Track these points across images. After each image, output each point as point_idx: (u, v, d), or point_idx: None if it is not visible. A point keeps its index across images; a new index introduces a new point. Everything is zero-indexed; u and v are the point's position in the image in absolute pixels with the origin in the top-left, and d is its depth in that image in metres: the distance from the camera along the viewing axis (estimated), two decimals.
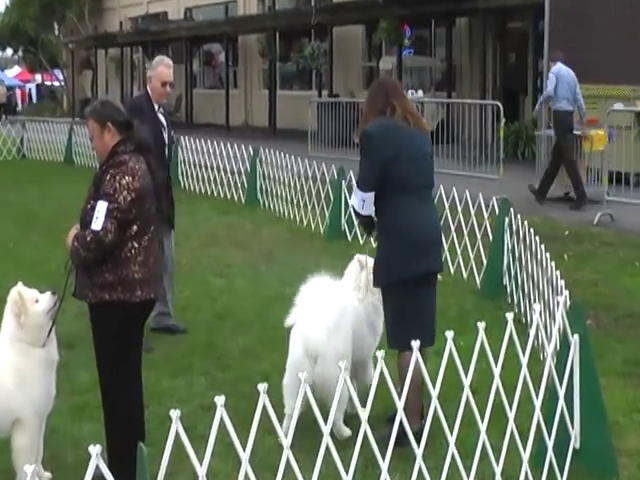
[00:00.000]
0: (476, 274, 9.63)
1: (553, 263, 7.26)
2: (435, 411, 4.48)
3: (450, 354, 4.53)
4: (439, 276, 6.07)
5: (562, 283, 6.60)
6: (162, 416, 5.94)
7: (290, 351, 5.98)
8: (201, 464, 3.66)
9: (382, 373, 4.27)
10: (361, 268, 6.30)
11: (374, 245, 10.71)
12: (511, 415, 4.75)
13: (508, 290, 9.00)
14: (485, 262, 9.50)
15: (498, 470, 4.70)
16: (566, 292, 6.14)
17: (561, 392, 4.98)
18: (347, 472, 4.15)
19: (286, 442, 3.93)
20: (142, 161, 5.20)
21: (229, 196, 16.25)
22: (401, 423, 4.35)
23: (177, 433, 3.61)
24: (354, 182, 5.91)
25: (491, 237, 9.60)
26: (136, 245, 5.12)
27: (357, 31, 30.59)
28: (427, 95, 24.40)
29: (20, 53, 55.22)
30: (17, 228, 13.86)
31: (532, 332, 5.15)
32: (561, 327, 5.18)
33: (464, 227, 10.12)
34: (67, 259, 5.19)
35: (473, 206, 10.37)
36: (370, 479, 4.92)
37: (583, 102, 15.47)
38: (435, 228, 5.93)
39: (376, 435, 4.29)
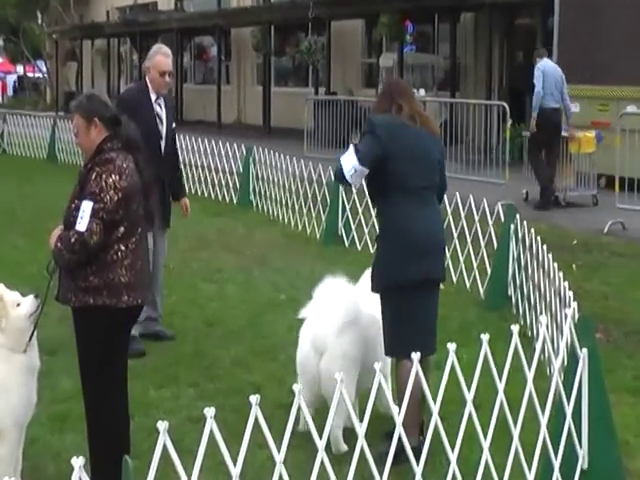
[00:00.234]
0: (479, 283, 9.64)
1: (561, 273, 7.28)
2: (436, 427, 4.49)
3: (452, 367, 4.54)
4: (441, 285, 6.09)
5: (570, 294, 6.61)
6: (148, 428, 5.93)
7: (299, 346, 6.11)
8: (189, 479, 3.66)
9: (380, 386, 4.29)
10: None
11: (372, 251, 10.80)
12: (516, 432, 4.75)
13: (513, 301, 9.01)
14: (489, 271, 9.52)
15: None
16: (574, 304, 6.17)
17: (568, 409, 4.98)
18: None
19: (279, 457, 3.93)
20: (130, 159, 5.21)
21: (220, 197, 16.25)
22: (400, 439, 4.35)
23: (165, 446, 3.61)
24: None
25: (496, 245, 9.62)
26: (123, 248, 5.13)
27: (356, 26, 30.60)
28: (429, 94, 24.41)
29: (0, 42, 55.18)
30: None
31: (539, 345, 5.16)
32: (569, 341, 5.19)
33: (467, 234, 10.13)
34: (49, 261, 5.19)
35: (477, 212, 10.39)
36: None
37: (570, 101, 15.76)
38: (436, 232, 5.94)
39: (373, 452, 4.30)
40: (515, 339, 4.78)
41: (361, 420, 4.27)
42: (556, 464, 4.94)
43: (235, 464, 3.79)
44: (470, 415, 4.58)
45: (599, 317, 8.27)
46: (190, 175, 17.14)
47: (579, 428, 5.05)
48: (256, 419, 3.85)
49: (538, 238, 8.38)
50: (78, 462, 3.38)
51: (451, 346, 4.54)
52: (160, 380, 7.18)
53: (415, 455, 4.42)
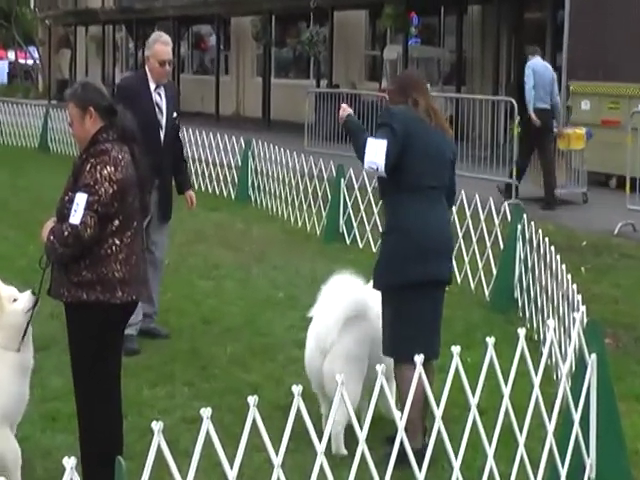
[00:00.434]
0: (485, 285, 9.64)
1: (569, 276, 7.28)
2: (439, 432, 4.49)
3: (456, 371, 4.54)
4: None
5: (579, 298, 6.61)
6: (142, 428, 5.94)
7: (306, 347, 6.21)
8: None
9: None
10: None
11: (374, 250, 10.81)
12: (521, 439, 4.75)
13: (519, 304, 9.01)
14: (495, 272, 9.52)
15: None
16: (583, 308, 6.17)
17: (576, 416, 4.99)
18: None
19: (277, 460, 3.93)
20: (126, 150, 5.19)
21: (218, 192, 16.25)
22: (402, 443, 4.35)
23: (159, 447, 3.60)
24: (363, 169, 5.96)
25: (502, 245, 9.61)
26: (117, 242, 5.12)
27: (360, 17, 30.60)
28: (434, 89, 24.37)
29: None
30: None
31: (546, 350, 5.16)
32: (577, 346, 5.19)
33: (473, 234, 10.13)
34: (42, 255, 5.18)
35: (483, 211, 10.39)
36: None
37: (559, 100, 16.05)
38: (444, 233, 5.94)
39: (374, 455, 4.30)
40: (522, 343, 4.77)
41: (361, 423, 4.27)
42: (563, 473, 4.94)
43: (232, 466, 3.79)
44: (474, 420, 4.58)
45: (608, 322, 8.27)
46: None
47: (587, 436, 5.05)
48: (254, 421, 3.85)
49: (546, 239, 8.37)
50: (70, 462, 3.38)
51: (455, 349, 4.54)
52: (154, 379, 7.18)
53: (417, 459, 4.42)
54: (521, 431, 4.75)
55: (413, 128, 5.78)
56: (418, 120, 5.82)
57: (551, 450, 4.90)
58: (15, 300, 5.20)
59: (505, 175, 16.39)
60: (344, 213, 12.44)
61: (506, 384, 4.71)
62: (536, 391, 4.83)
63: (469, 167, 16.99)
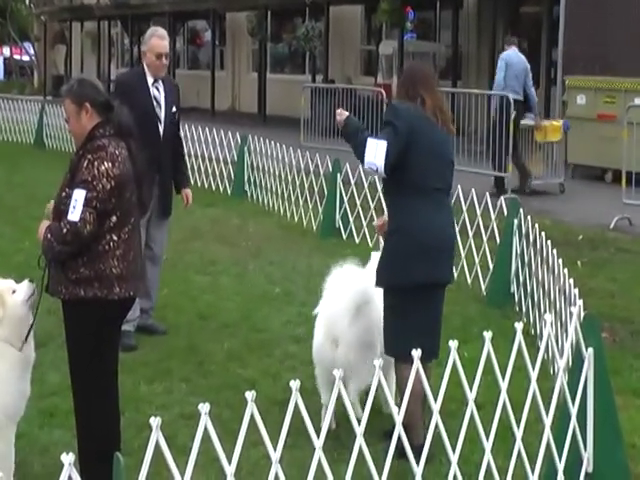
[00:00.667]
0: (481, 280, 9.65)
1: (566, 270, 7.28)
2: (436, 427, 4.50)
3: (453, 365, 4.54)
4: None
5: (576, 292, 6.62)
6: (139, 424, 5.96)
7: (314, 338, 6.21)
8: (182, 477, 3.66)
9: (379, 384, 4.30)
10: None
11: (370, 245, 10.82)
12: (519, 434, 4.76)
13: (516, 298, 9.02)
14: (491, 267, 9.52)
15: None
16: (580, 302, 6.18)
17: (573, 410, 4.99)
18: None
19: (275, 456, 3.94)
20: (123, 146, 5.19)
21: (214, 187, 16.24)
22: (400, 438, 4.36)
23: (157, 443, 3.61)
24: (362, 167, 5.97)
25: (498, 240, 9.62)
26: (115, 238, 5.12)
27: (355, 11, 30.58)
28: None
29: None
30: None
31: (543, 344, 5.16)
32: (574, 340, 5.20)
33: (469, 228, 10.13)
34: (40, 254, 5.17)
35: (479, 205, 10.39)
36: None
37: (534, 92, 16.22)
38: (448, 235, 5.94)
39: (372, 450, 4.31)
40: (519, 337, 4.78)
41: (359, 418, 4.28)
42: (560, 467, 4.95)
43: (230, 462, 3.79)
44: (472, 415, 4.59)
45: (605, 316, 8.27)
46: None
47: (584, 430, 5.06)
48: (252, 416, 3.85)
49: (542, 234, 8.37)
50: (68, 459, 3.37)
51: (452, 344, 4.54)
52: (152, 375, 7.18)
53: (417, 455, 4.42)
54: (518, 425, 4.76)
55: (418, 126, 5.74)
56: (424, 118, 5.78)
57: (548, 444, 4.91)
58: (14, 292, 5.20)
59: (501, 169, 16.40)
60: (340, 208, 12.44)
61: (503, 378, 4.72)
62: (533, 385, 4.84)
63: (465, 161, 16.95)
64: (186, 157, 8.91)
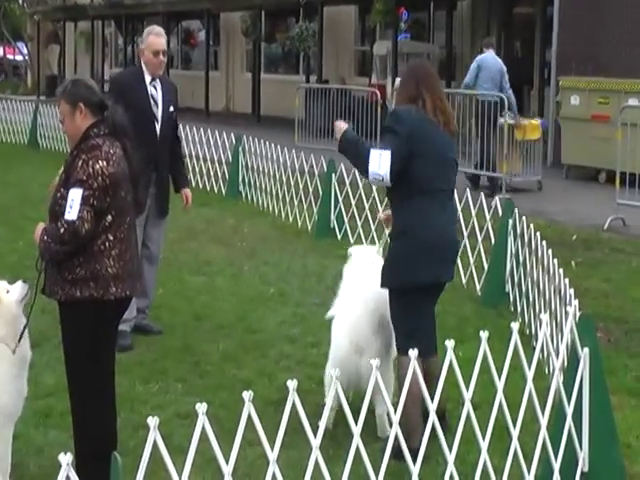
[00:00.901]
0: (476, 280, 9.65)
1: (561, 270, 7.30)
2: (433, 426, 4.50)
3: (450, 365, 4.55)
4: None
5: (571, 292, 6.63)
6: (135, 424, 5.96)
7: (336, 344, 6.12)
8: (180, 477, 3.66)
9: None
10: None
11: (365, 245, 10.81)
12: (515, 433, 4.77)
13: (511, 298, 9.03)
14: (486, 267, 9.53)
15: None
16: (576, 302, 6.19)
17: (569, 410, 5.00)
18: None
19: (272, 455, 3.94)
20: (117, 145, 5.19)
21: (208, 187, 16.23)
22: (401, 438, 4.37)
23: (154, 443, 3.61)
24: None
25: (493, 240, 9.63)
26: (111, 237, 5.11)
27: (349, 12, 30.58)
28: None
29: None
30: None
31: (539, 344, 5.17)
32: (569, 339, 5.21)
33: (464, 229, 10.11)
34: (37, 257, 5.17)
35: (474, 206, 10.40)
36: None
37: (512, 92, 16.63)
38: (452, 236, 5.99)
39: (369, 450, 4.32)
40: (515, 337, 4.79)
41: (356, 419, 4.28)
42: (556, 467, 4.96)
43: (227, 462, 3.79)
44: (468, 415, 4.59)
45: (599, 316, 8.29)
46: None
47: (579, 430, 5.07)
48: (249, 416, 3.85)
49: (537, 234, 8.39)
50: (66, 459, 3.37)
51: (449, 343, 4.55)
52: (147, 375, 7.18)
53: (415, 457, 4.43)
54: (514, 425, 4.77)
55: (420, 129, 5.74)
56: (426, 120, 5.79)
57: (544, 444, 4.92)
58: (8, 292, 5.20)
59: (496, 170, 16.44)
60: (335, 208, 12.44)
61: (500, 378, 4.72)
62: (529, 385, 4.84)
63: (459, 162, 17.01)
64: (183, 157, 8.88)
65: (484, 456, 4.66)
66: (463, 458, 5.09)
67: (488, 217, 10.11)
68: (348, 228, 12.15)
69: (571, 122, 17.85)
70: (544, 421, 4.91)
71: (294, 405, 4.00)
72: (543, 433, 4.90)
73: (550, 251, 7.83)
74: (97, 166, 5.01)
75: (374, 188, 12.11)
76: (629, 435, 5.99)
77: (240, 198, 15.37)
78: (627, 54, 17.97)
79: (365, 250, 6.75)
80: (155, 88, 8.08)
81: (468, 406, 4.60)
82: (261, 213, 14.35)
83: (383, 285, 5.89)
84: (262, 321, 8.68)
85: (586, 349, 5.07)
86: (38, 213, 11.33)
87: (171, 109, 8.15)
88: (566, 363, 5.39)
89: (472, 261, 9.86)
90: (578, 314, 5.54)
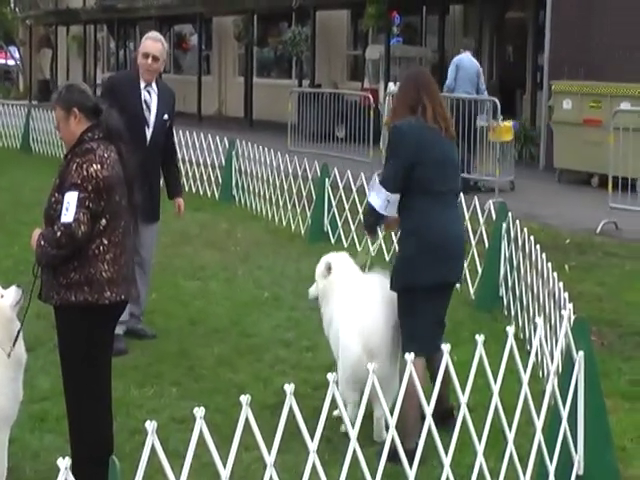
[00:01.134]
0: (470, 283, 9.67)
1: (555, 274, 7.32)
2: (429, 430, 4.52)
3: (446, 369, 4.57)
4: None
5: (565, 296, 6.65)
6: (130, 428, 5.96)
7: (347, 348, 6.06)
8: None
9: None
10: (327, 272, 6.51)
11: (359, 249, 10.83)
12: (510, 436, 4.78)
13: (505, 302, 9.05)
14: (480, 271, 9.55)
15: None
16: (570, 305, 6.21)
17: (564, 413, 5.02)
18: None
19: (270, 459, 3.95)
20: (112, 149, 5.20)
21: (202, 192, 16.23)
22: (397, 441, 4.38)
23: (148, 447, 3.61)
24: (375, 181, 6.13)
25: (487, 244, 9.65)
26: (105, 241, 5.11)
27: (342, 16, 30.63)
28: None
29: None
30: None
31: (534, 348, 5.19)
32: (564, 343, 5.22)
33: None
34: (34, 263, 5.17)
35: (467, 210, 10.41)
36: None
37: (487, 94, 17.09)
38: (458, 235, 6.09)
39: (364, 453, 4.33)
40: (511, 341, 4.80)
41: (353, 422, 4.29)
42: (551, 469, 4.97)
43: (224, 466, 3.80)
44: (464, 418, 4.61)
45: (593, 319, 8.28)
46: None
47: (575, 433, 5.09)
48: (246, 420, 3.86)
49: (531, 238, 8.41)
50: (64, 463, 3.37)
51: (445, 347, 4.57)
52: (142, 379, 7.17)
53: (409, 457, 4.45)
54: (510, 428, 4.78)
55: (423, 141, 5.86)
56: (426, 129, 5.89)
57: (540, 447, 4.93)
58: (2, 296, 5.20)
59: (489, 174, 16.48)
60: (329, 212, 12.46)
61: (495, 381, 4.74)
62: (525, 388, 4.86)
63: None
64: (178, 165, 8.85)
65: (480, 459, 4.67)
66: (459, 461, 5.10)
67: (482, 221, 10.12)
68: (342, 232, 12.17)
69: (563, 126, 17.90)
70: (539, 424, 4.93)
71: (291, 409, 4.00)
72: (538, 436, 4.91)
73: (544, 255, 7.86)
74: (91, 169, 5.02)
75: (367, 192, 12.12)
76: (623, 438, 6.01)
77: (233, 202, 15.37)
78: (619, 58, 18.03)
79: (342, 256, 6.74)
80: (149, 93, 8.06)
81: (464, 409, 4.61)
82: (254, 217, 14.36)
83: (393, 287, 5.96)
84: (256, 325, 8.69)
85: (581, 352, 5.09)
86: (31, 217, 11.37)
87: (165, 116, 8.12)
88: (561, 366, 5.40)
89: (466, 265, 9.84)
90: (573, 318, 5.55)
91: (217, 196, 15.83)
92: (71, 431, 5.22)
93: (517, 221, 9.13)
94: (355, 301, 6.13)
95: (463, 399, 4.62)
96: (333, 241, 12.19)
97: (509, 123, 17.10)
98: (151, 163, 7.94)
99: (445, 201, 5.94)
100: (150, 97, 8.05)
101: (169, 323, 8.73)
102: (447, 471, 4.55)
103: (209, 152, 16.92)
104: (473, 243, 9.97)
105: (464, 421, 4.61)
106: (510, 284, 8.89)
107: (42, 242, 5.02)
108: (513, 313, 8.66)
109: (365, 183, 12.42)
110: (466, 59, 17.23)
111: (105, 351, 5.30)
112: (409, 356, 4.44)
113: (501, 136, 16.64)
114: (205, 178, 16.25)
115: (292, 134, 22.30)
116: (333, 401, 4.18)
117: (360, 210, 11.78)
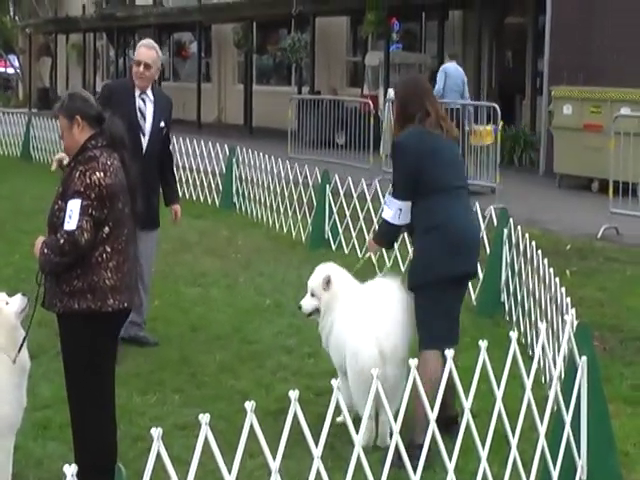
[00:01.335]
0: (472, 289, 9.66)
1: (557, 279, 7.33)
2: (433, 435, 4.53)
3: (450, 374, 4.58)
4: None
5: (568, 301, 6.66)
6: (133, 435, 5.96)
7: (360, 351, 6.03)
8: None
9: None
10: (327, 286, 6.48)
11: (360, 255, 10.84)
12: (514, 442, 4.79)
13: (506, 307, 9.06)
14: (482, 277, 9.55)
15: None
16: (573, 311, 6.22)
17: (567, 418, 5.03)
18: None
19: (275, 465, 3.96)
20: (115, 157, 5.21)
21: (202, 199, 16.24)
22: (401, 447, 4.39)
23: (158, 453, 3.62)
24: (385, 195, 6.32)
25: (488, 250, 9.65)
26: (108, 249, 5.12)
27: (341, 23, 30.67)
28: None
29: None
30: None
31: (537, 353, 5.20)
32: (567, 348, 5.23)
33: None
34: (37, 271, 5.18)
35: None
36: None
37: (470, 100, 18.21)
38: (474, 228, 6.33)
39: (368, 459, 4.34)
40: (514, 346, 4.82)
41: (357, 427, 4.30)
42: (555, 474, 4.98)
43: (230, 472, 3.81)
44: (467, 423, 4.62)
45: (594, 324, 8.29)
46: None
47: (578, 438, 5.10)
48: (251, 426, 3.87)
49: (533, 243, 8.43)
50: (70, 470, 3.38)
51: (449, 352, 4.58)
52: (144, 386, 7.17)
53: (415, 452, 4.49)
54: (513, 434, 4.79)
55: (425, 148, 6.01)
56: (427, 134, 6.03)
57: (543, 452, 4.94)
58: (7, 304, 5.22)
59: (490, 180, 16.52)
60: (329, 219, 12.46)
61: (499, 387, 4.75)
62: (528, 394, 4.87)
63: None
64: (175, 172, 8.83)
65: (483, 465, 4.68)
66: (463, 467, 5.10)
67: (483, 227, 10.12)
68: (342, 239, 12.18)
69: (563, 131, 17.93)
70: (542, 429, 4.94)
71: (295, 415, 4.01)
72: (542, 441, 4.92)
73: (545, 260, 7.87)
74: (94, 177, 5.04)
75: (368, 199, 12.15)
76: (626, 443, 6.01)
77: (234, 209, 15.39)
78: (619, 62, 18.04)
79: (335, 267, 6.75)
80: (144, 101, 8.05)
81: (468, 415, 4.62)
82: (255, 224, 14.37)
83: (412, 283, 6.04)
84: (258, 332, 8.70)
85: (584, 358, 5.10)
86: (32, 225, 11.37)
87: (162, 124, 8.10)
88: (564, 372, 5.42)
89: None
90: (575, 323, 5.56)
91: (218, 203, 15.84)
92: (75, 439, 5.23)
93: (518, 227, 9.14)
94: (368, 306, 6.14)
95: (466, 405, 4.63)
96: (334, 248, 12.20)
97: (490, 127, 17.37)
98: (148, 170, 7.91)
99: (459, 196, 6.09)
100: (145, 105, 8.04)
101: (171, 330, 8.73)
102: (451, 477, 4.56)
103: (209, 159, 16.94)
104: None
105: (467, 426, 4.62)
106: (512, 290, 8.90)
107: (45, 250, 5.03)
108: (515, 319, 8.66)
109: (366, 189, 12.46)
110: (452, 68, 18.33)
111: (108, 359, 5.30)
112: (412, 362, 4.45)
113: (482, 139, 17.00)
114: (205, 185, 16.27)
115: (292, 141, 22.33)
116: (337, 407, 4.19)
117: (361, 216, 11.81)
